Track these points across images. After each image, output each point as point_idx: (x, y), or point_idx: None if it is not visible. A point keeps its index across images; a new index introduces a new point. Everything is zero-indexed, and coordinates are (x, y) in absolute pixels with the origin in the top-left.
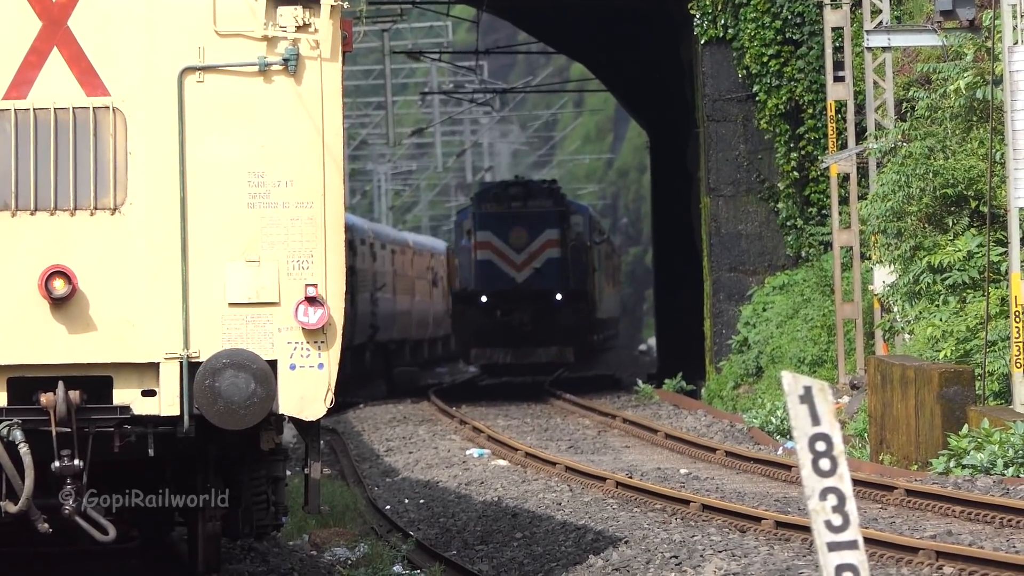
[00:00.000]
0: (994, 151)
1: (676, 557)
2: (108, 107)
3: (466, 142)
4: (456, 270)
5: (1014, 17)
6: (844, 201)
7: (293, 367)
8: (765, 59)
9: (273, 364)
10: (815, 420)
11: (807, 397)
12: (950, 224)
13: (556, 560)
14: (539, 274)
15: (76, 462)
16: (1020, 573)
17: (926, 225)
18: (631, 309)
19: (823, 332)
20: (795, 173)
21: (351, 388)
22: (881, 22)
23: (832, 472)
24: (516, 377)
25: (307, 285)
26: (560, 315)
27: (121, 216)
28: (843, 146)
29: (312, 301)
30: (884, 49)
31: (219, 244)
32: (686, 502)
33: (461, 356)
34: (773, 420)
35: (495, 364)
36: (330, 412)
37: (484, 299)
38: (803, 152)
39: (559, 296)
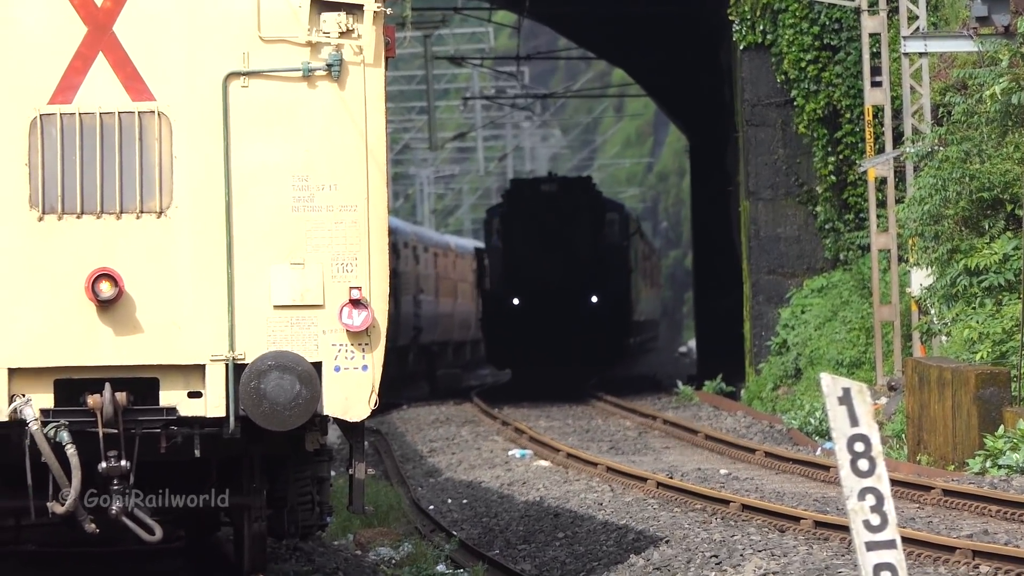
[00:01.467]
0: None
1: (716, 556)
2: (153, 112)
3: (507, 146)
4: (487, 270)
5: None
6: (882, 205)
7: (338, 369)
8: (803, 64)
9: (318, 366)
10: (854, 421)
11: (846, 399)
12: (986, 227)
13: (598, 559)
14: (572, 274)
15: (123, 463)
16: None
17: (962, 228)
18: (671, 311)
19: (861, 334)
20: (833, 177)
21: (394, 389)
22: (918, 28)
23: (870, 472)
24: (550, 381)
25: (351, 288)
26: (594, 317)
27: (167, 219)
28: (880, 150)
29: (356, 304)
30: (921, 55)
31: (264, 247)
32: (726, 502)
33: (490, 360)
34: (812, 421)
35: (525, 368)
36: (374, 413)
37: (516, 301)
38: (841, 156)
39: (594, 298)
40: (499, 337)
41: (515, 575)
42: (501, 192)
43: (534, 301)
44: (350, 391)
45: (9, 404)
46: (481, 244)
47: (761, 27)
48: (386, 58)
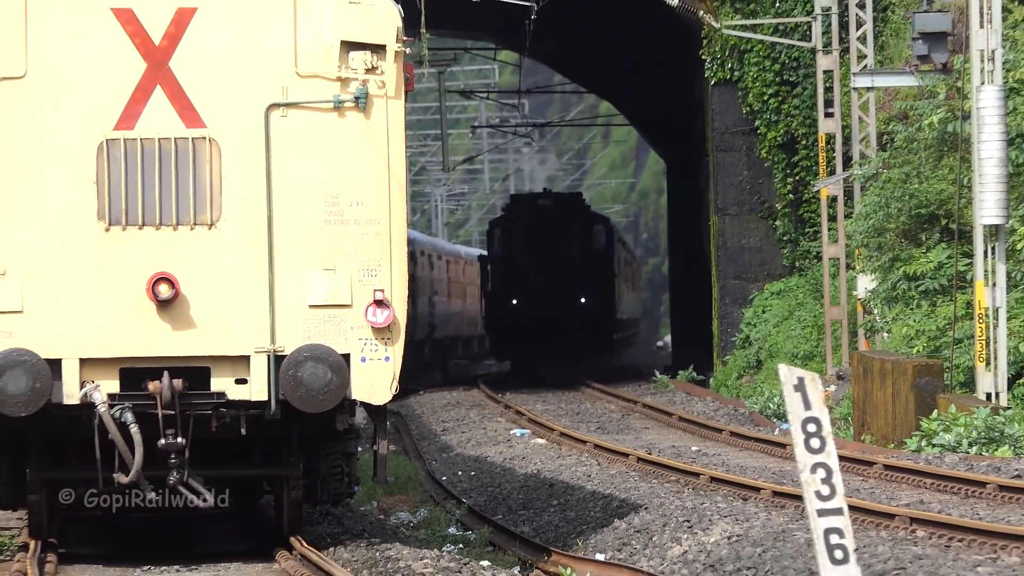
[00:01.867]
0: (962, 177)
1: (688, 521)
2: (205, 138)
3: (510, 168)
4: (489, 275)
5: (981, 61)
6: (832, 219)
7: (364, 360)
8: (765, 97)
9: (347, 357)
10: (807, 406)
11: (800, 386)
12: (923, 239)
13: (586, 523)
14: (564, 278)
15: (179, 440)
16: (982, 536)
17: (903, 240)
18: (650, 311)
19: (814, 331)
20: (791, 195)
21: (412, 377)
22: (866, 66)
23: (821, 450)
24: (546, 371)
25: (375, 290)
26: (583, 315)
27: (217, 231)
28: (832, 172)
29: (380, 304)
30: (868, 89)
31: (300, 255)
32: (697, 475)
33: (493, 353)
34: (771, 405)
35: (524, 360)
36: (395, 398)
37: (515, 301)
38: (797, 177)
39: (583, 299)
40: (500, 333)
41: (516, 536)
42: (502, 206)
43: (531, 302)
44: (374, 379)
45: (81, 389)
46: (484, 252)
47: (729, 65)
48: (406, 92)
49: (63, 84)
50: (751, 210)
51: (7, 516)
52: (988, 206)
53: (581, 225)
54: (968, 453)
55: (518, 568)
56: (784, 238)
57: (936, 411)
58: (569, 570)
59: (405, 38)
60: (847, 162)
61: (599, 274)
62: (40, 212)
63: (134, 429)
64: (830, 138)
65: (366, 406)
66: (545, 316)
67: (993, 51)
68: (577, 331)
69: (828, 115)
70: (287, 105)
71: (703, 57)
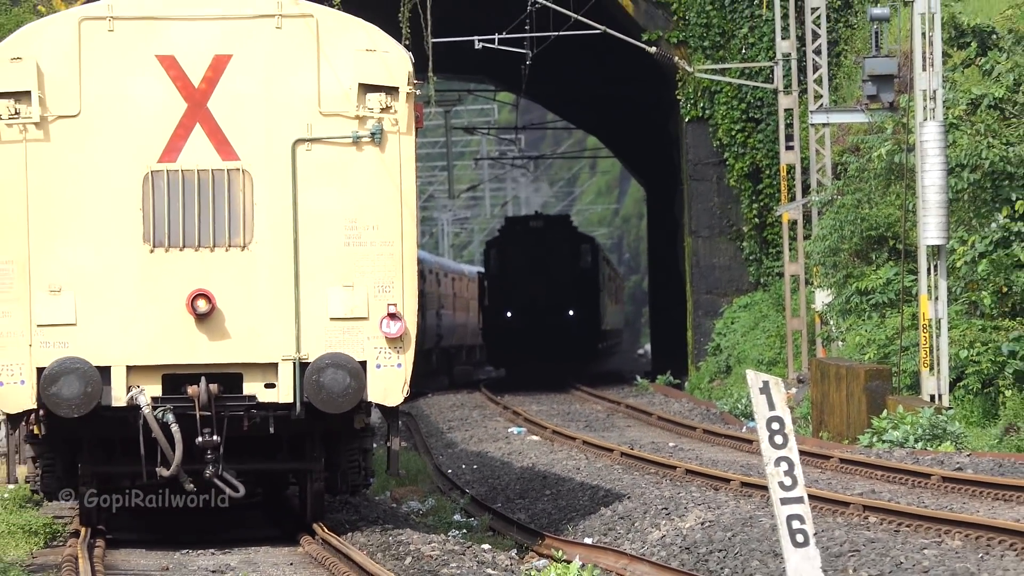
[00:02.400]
0: (907, 202)
1: (666, 509)
2: (238, 169)
3: (508, 196)
4: (486, 290)
5: (924, 100)
6: (793, 240)
7: (379, 366)
8: (733, 133)
9: (363, 364)
10: (771, 406)
11: (765, 389)
12: (873, 258)
13: (576, 511)
14: (554, 292)
15: (215, 438)
16: (927, 522)
17: (855, 259)
18: (632, 322)
19: (777, 340)
20: (756, 219)
21: (421, 382)
22: (822, 104)
23: (784, 445)
24: (539, 376)
25: (389, 304)
26: (571, 326)
27: (249, 252)
28: (792, 199)
29: (393, 316)
30: (824, 125)
31: (323, 273)
32: (673, 467)
33: (489, 361)
34: (739, 406)
35: (517, 367)
36: (406, 400)
37: (509, 314)
38: (762, 203)
39: (571, 312)
40: (496, 343)
41: (513, 523)
42: (497, 227)
43: (523, 314)
44: (388, 383)
45: (127, 393)
46: (482, 269)
47: (701, 104)
48: (416, 128)
49: (113, 122)
50: (721, 233)
51: (60, 506)
52: (931, 229)
53: (569, 245)
54: (914, 448)
55: (515, 550)
56: (750, 257)
57: (886, 411)
58: (560, 552)
59: (415, 81)
60: (806, 190)
61: (585, 289)
62: (92, 236)
63: (175, 428)
64: (790, 168)
65: (380, 407)
66: (536, 327)
67: (934, 91)
68: (565, 341)
69: (789, 148)
70: (311, 140)
71: (678, 97)
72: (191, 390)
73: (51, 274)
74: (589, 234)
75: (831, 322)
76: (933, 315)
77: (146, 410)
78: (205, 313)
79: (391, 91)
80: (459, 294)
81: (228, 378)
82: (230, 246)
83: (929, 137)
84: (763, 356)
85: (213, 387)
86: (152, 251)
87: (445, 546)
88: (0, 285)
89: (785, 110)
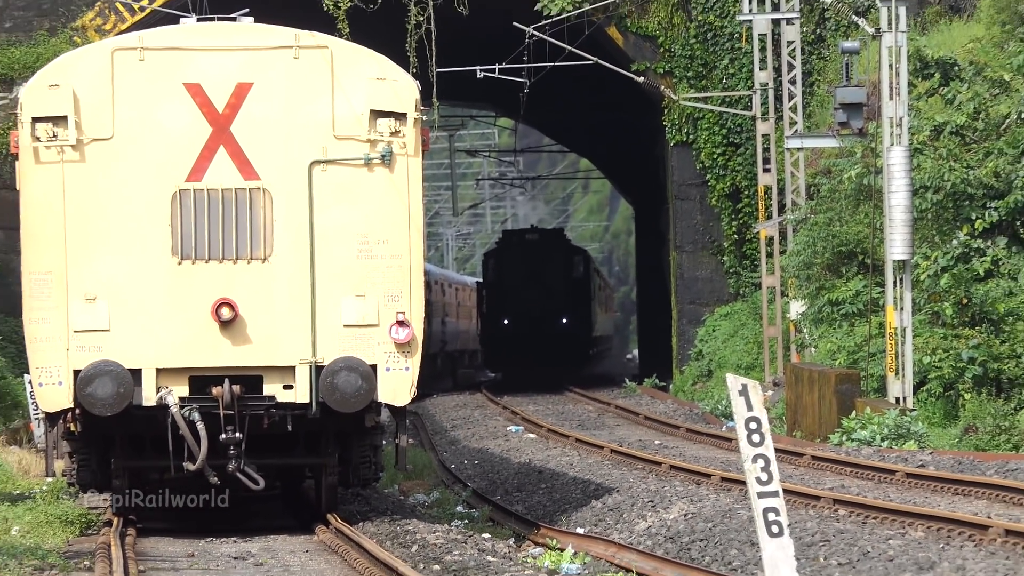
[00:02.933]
0: (875, 221)
1: (652, 501)
2: (259, 188)
3: (507, 213)
4: (484, 299)
5: (891, 126)
6: (770, 255)
7: (388, 369)
8: (715, 156)
9: (374, 367)
10: (749, 407)
11: (744, 391)
12: (843, 272)
13: (569, 503)
14: (548, 301)
15: (237, 435)
16: (892, 514)
17: (827, 272)
18: (621, 329)
19: (754, 346)
20: (736, 236)
21: (427, 384)
22: (796, 130)
23: (761, 443)
24: (536, 379)
25: (398, 312)
26: (564, 333)
27: (269, 264)
28: (769, 217)
29: (401, 324)
30: (798, 149)
31: (337, 284)
32: (659, 463)
33: (486, 365)
34: (719, 407)
35: (513, 371)
36: (413, 400)
37: (505, 321)
38: (741, 221)
39: (564, 319)
40: (493, 348)
41: (511, 514)
42: (495, 240)
43: (519, 321)
44: (397, 385)
45: (157, 393)
46: (480, 279)
47: (685, 130)
48: (423, 150)
49: (144, 144)
50: (703, 248)
51: (95, 498)
52: (896, 245)
53: (563, 256)
54: (881, 446)
55: (513, 539)
56: (730, 270)
57: (854, 412)
58: (555, 541)
59: (422, 107)
60: (781, 209)
61: (578, 298)
62: (124, 249)
63: (200, 426)
64: (767, 189)
65: (390, 407)
66: (531, 334)
67: (901, 118)
68: (559, 346)
69: (766, 170)
70: (326, 162)
71: (664, 123)
72: (215, 391)
73: (87, 284)
74: (581, 246)
75: (804, 330)
76: (899, 324)
77: (174, 409)
78: (228, 320)
79: (400, 116)
80: (462, 303)
81: (249, 380)
82: (251, 259)
83: (895, 161)
84: (742, 361)
85: (236, 388)
86: (180, 263)
87: (449, 535)
88: (40, 294)
89: (763, 135)
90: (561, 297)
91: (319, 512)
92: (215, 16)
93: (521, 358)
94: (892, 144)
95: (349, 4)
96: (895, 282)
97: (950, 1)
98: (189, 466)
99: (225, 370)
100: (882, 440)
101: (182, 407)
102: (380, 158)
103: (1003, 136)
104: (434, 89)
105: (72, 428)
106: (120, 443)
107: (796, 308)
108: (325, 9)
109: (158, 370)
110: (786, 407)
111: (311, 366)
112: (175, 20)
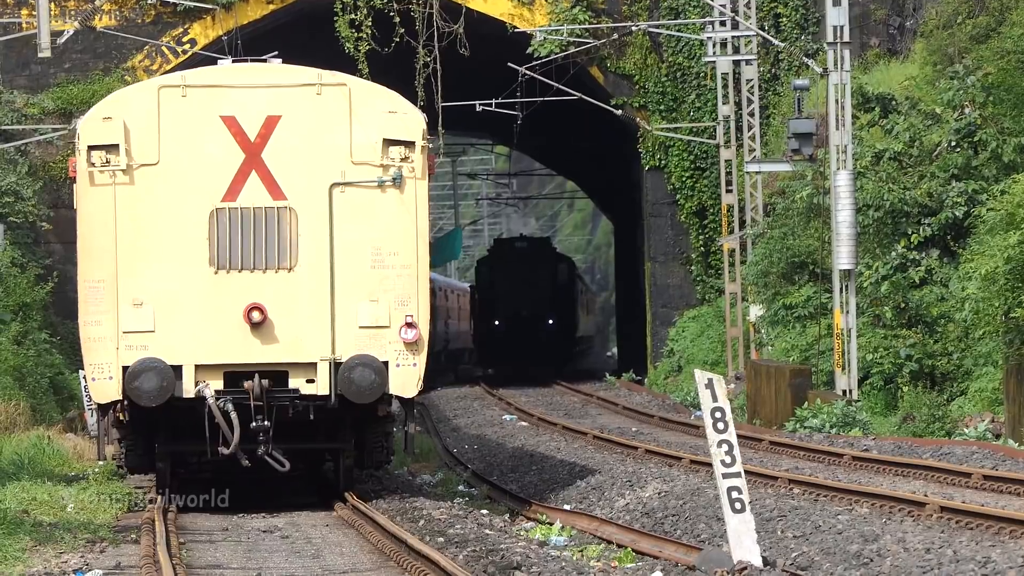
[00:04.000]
0: (823, 235)
1: (630, 481)
2: (286, 207)
3: (503, 228)
4: (477, 302)
5: (837, 153)
6: (732, 265)
7: (398, 365)
8: (684, 179)
9: (386, 364)
10: (714, 398)
11: (709, 384)
12: (796, 280)
13: (557, 483)
14: (536, 305)
15: (265, 423)
16: (841, 493)
17: (782, 280)
18: (602, 330)
19: (718, 345)
20: (702, 248)
21: (432, 378)
22: (755, 156)
23: (725, 430)
24: (527, 374)
25: (407, 315)
26: (551, 334)
27: (294, 273)
28: (732, 232)
29: (410, 325)
30: (757, 173)
31: (353, 290)
32: (636, 448)
33: (479, 362)
34: (688, 398)
35: (503, 368)
36: (420, 393)
37: (496, 323)
38: (707, 235)
39: (551, 321)
40: (485, 347)
41: (506, 492)
42: (488, 247)
43: (509, 323)
44: (405, 379)
45: (195, 387)
46: (473, 283)
47: (658, 156)
48: (429, 174)
49: (185, 169)
50: (674, 259)
51: (141, 479)
52: (843, 256)
53: (549, 263)
54: (830, 433)
55: (508, 515)
56: (697, 278)
57: (806, 403)
58: (544, 516)
59: (428, 136)
60: (742, 224)
61: (563, 301)
62: (168, 260)
63: (233, 415)
64: (730, 207)
65: (400, 398)
66: (520, 334)
67: (846, 146)
68: (545, 345)
69: (728, 191)
70: (345, 184)
71: (639, 150)
72: (247, 384)
73: (135, 290)
74: (566, 254)
75: (762, 331)
76: (845, 326)
77: (211, 400)
78: (258, 322)
79: (409, 144)
80: (462, 307)
81: (276, 375)
82: (279, 268)
83: (841, 183)
84: (708, 358)
85: (265, 382)
86: (216, 272)
87: (451, 511)
88: (94, 299)
89: (725, 160)
90: (548, 300)
91: (338, 491)
92: (248, 58)
93: (511, 356)
94: (838, 168)
95: (368, 48)
96: (841, 288)
97: (888, 44)
98: (224, 450)
99: (255, 366)
100: (831, 427)
101: (217, 399)
102: (392, 181)
103: (935, 161)
104: (440, 120)
105: (121, 417)
106: (163, 430)
107: (755, 311)
108: (346, 52)
109: (197, 366)
110: (747, 398)
111: (331, 363)
112: (213, 61)
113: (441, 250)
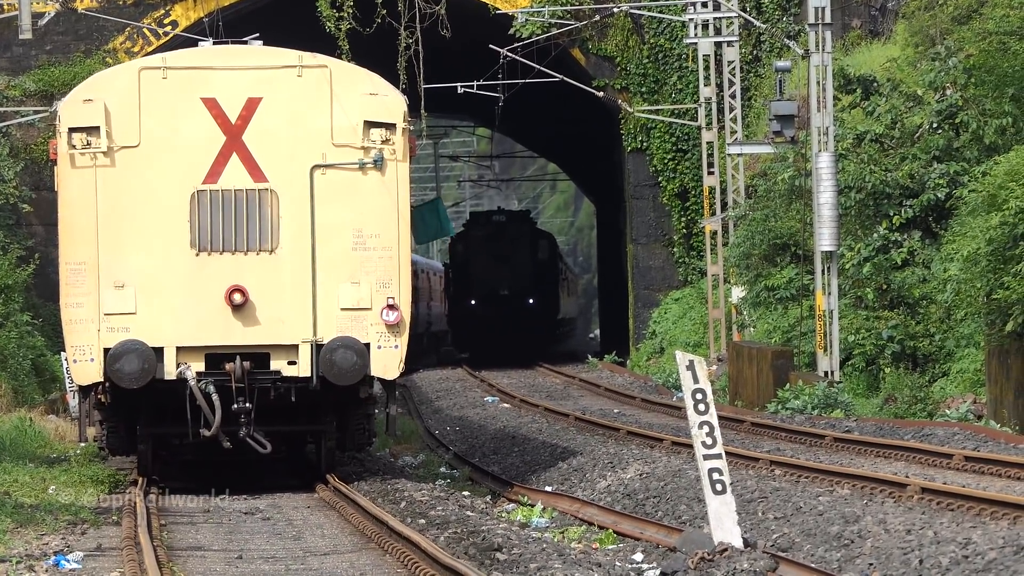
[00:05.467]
0: (805, 217)
1: (611, 463)
2: (267, 189)
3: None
4: (451, 280)
5: (819, 135)
6: (714, 247)
7: (380, 347)
8: (666, 161)
9: (367, 345)
10: (696, 380)
11: (691, 366)
12: (778, 261)
13: (539, 464)
14: (515, 283)
15: (247, 405)
16: (822, 474)
17: (764, 262)
18: (584, 312)
19: (701, 326)
20: (684, 230)
21: (414, 360)
22: (736, 138)
23: (706, 412)
24: (508, 356)
25: (388, 297)
26: (531, 315)
27: (275, 255)
28: (713, 213)
29: (391, 307)
30: (738, 155)
31: (335, 272)
32: (617, 429)
33: (453, 344)
34: (670, 380)
35: (479, 351)
36: (402, 375)
37: (473, 302)
38: (689, 217)
39: (531, 300)
40: (460, 328)
41: (488, 474)
42: (463, 222)
43: (485, 303)
44: (387, 361)
45: (177, 369)
46: (447, 261)
47: (640, 138)
48: (410, 156)
49: (166, 151)
50: (656, 240)
51: (122, 461)
52: (824, 238)
53: (529, 238)
54: (812, 414)
55: (490, 496)
56: (680, 260)
57: (788, 384)
58: (526, 498)
59: (410, 118)
60: (724, 206)
61: (544, 280)
62: (149, 242)
63: (215, 397)
64: (712, 189)
65: (381, 380)
66: (497, 315)
67: (827, 128)
68: (525, 327)
69: (710, 173)
70: (326, 166)
71: (621, 132)
72: (228, 366)
73: (116, 273)
74: (546, 230)
75: (744, 312)
76: (826, 307)
77: (192, 382)
78: (240, 304)
79: (390, 127)
80: (445, 289)
81: (258, 357)
82: (260, 250)
83: (823, 165)
84: (690, 339)
85: (246, 364)
86: (197, 254)
87: (433, 493)
88: (75, 281)
89: (707, 143)
90: (527, 278)
91: (319, 473)
92: (229, 40)
93: (488, 338)
94: (820, 150)
95: (348, 27)
96: (823, 270)
97: (870, 26)
98: (205, 432)
99: (236, 348)
100: (813, 409)
101: (199, 381)
102: (373, 163)
103: (916, 143)
104: (421, 102)
105: (102, 399)
106: (145, 412)
107: (737, 293)
108: (327, 32)
109: (178, 348)
110: (728, 380)
111: (312, 345)
112: (194, 43)
113: (426, 224)
